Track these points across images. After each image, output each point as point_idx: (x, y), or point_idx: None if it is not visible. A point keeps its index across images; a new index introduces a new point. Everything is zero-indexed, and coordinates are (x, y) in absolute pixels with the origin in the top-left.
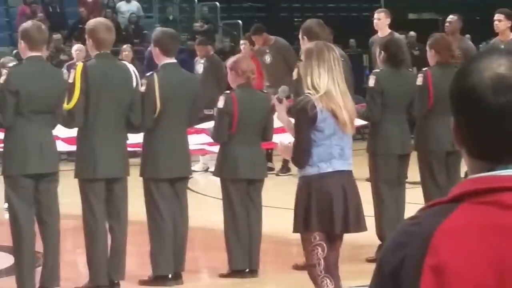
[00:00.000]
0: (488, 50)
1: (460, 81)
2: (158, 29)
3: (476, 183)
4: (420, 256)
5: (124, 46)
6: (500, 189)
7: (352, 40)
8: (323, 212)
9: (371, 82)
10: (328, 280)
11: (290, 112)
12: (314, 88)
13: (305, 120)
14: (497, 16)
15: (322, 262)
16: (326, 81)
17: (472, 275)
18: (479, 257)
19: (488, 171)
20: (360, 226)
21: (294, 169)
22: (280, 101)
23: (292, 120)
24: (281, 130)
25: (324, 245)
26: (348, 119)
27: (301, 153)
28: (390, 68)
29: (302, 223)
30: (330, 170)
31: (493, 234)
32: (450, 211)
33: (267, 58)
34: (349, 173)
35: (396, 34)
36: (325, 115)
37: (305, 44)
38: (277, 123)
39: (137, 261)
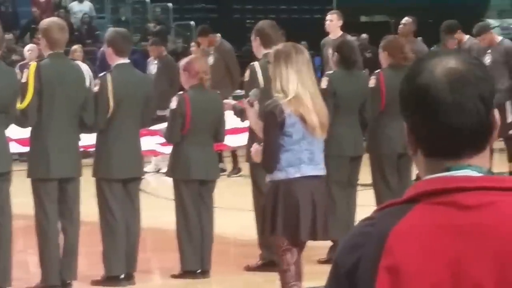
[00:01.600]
0: (434, 52)
1: (411, 81)
2: (111, 29)
3: (431, 184)
4: (376, 256)
5: (75, 46)
6: (456, 190)
7: (303, 42)
8: (290, 218)
9: (324, 83)
10: None
11: (240, 113)
12: (283, 91)
13: (273, 124)
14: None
15: (292, 268)
16: (295, 84)
17: (428, 275)
18: (435, 257)
19: (444, 171)
20: (327, 235)
21: (245, 170)
22: (251, 104)
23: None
24: (233, 131)
25: (294, 250)
26: (317, 123)
27: (269, 157)
28: (342, 69)
29: (269, 226)
30: (298, 175)
31: (449, 234)
32: (405, 211)
33: (210, 59)
34: (319, 178)
35: (348, 36)
36: (293, 120)
37: (257, 45)
38: (229, 124)
39: (89, 261)
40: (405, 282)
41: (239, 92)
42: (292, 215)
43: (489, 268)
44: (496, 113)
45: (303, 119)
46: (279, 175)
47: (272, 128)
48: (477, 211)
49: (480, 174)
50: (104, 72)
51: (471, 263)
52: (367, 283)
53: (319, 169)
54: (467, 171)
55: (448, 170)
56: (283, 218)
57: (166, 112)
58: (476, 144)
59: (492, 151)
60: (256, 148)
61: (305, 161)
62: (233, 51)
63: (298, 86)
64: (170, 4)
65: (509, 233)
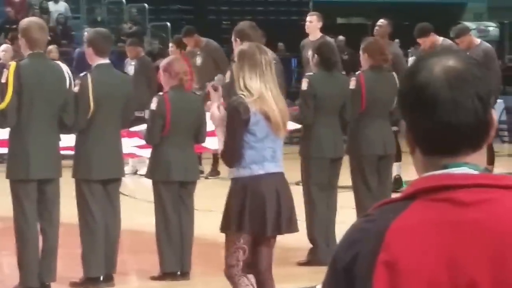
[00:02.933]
0: (433, 52)
1: (410, 79)
2: (92, 30)
3: (429, 181)
4: (374, 252)
5: (50, 47)
6: (453, 187)
7: (280, 44)
8: (256, 214)
9: (304, 85)
10: (246, 279)
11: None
12: (246, 89)
13: (237, 121)
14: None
15: (240, 263)
16: (258, 84)
17: (425, 271)
18: (432, 253)
19: (442, 168)
20: (291, 228)
21: (223, 172)
22: (215, 89)
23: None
24: (214, 134)
25: (246, 248)
26: (281, 122)
27: (231, 152)
28: (323, 71)
29: (235, 224)
30: (262, 172)
31: (446, 230)
32: (403, 208)
33: (198, 60)
34: (281, 175)
35: (328, 38)
36: (257, 118)
37: (237, 46)
38: (210, 126)
39: (68, 263)
40: (403, 278)
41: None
42: (259, 212)
43: (485, 265)
44: (494, 112)
45: (267, 118)
46: (243, 172)
47: (236, 124)
48: (474, 208)
49: (477, 172)
50: (85, 72)
51: (467, 260)
52: (364, 278)
53: (280, 166)
54: (464, 168)
55: (445, 167)
56: (249, 216)
57: (144, 113)
58: (473, 142)
59: (492, 152)
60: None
61: (268, 158)
62: (221, 49)
63: (261, 86)
64: (146, 5)
65: (506, 230)
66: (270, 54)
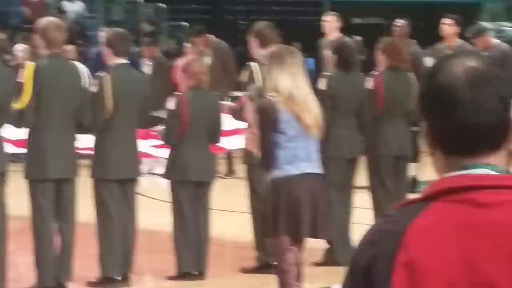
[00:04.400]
0: (454, 53)
1: (430, 80)
2: (110, 30)
3: (449, 182)
4: (393, 253)
5: (68, 47)
6: (473, 188)
7: (296, 44)
8: (291, 216)
9: (322, 85)
10: None
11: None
12: (276, 91)
13: (266, 121)
14: (445, 21)
15: (293, 268)
16: (289, 84)
17: (444, 272)
18: (451, 254)
19: (461, 169)
20: (327, 233)
21: (239, 172)
22: (251, 99)
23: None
24: (230, 133)
25: (294, 250)
26: (312, 122)
27: (266, 155)
28: (341, 71)
29: (272, 228)
30: (296, 172)
31: (465, 231)
32: (423, 209)
33: (208, 60)
34: (317, 176)
35: (346, 38)
36: (287, 117)
37: (256, 46)
38: (225, 126)
39: (85, 262)
40: (421, 279)
41: (236, 93)
42: (294, 213)
43: (504, 266)
44: None
45: (297, 117)
46: (277, 173)
47: (266, 125)
48: (493, 209)
49: (497, 173)
50: (103, 73)
51: (485, 261)
52: (383, 279)
53: (316, 167)
54: (484, 169)
55: (465, 168)
56: (285, 217)
57: (160, 113)
58: (493, 142)
59: None
60: (249, 136)
61: (302, 158)
62: (230, 51)
63: (292, 87)
64: (163, 5)
65: None
66: (299, 55)
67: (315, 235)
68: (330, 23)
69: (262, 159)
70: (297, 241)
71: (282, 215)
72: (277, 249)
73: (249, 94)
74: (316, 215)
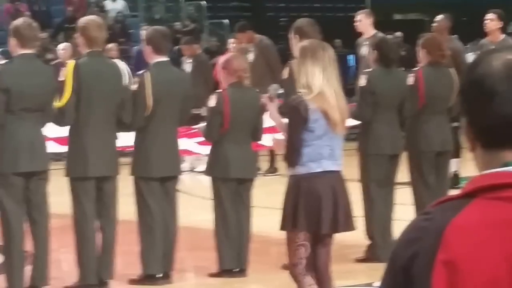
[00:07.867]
0: (495, 48)
1: (470, 73)
2: (150, 28)
3: (489, 179)
4: (432, 251)
5: (110, 45)
6: None
7: (337, 40)
8: (311, 212)
9: (362, 81)
10: (310, 278)
11: (280, 111)
12: (308, 87)
13: (297, 120)
14: (488, 16)
15: (303, 261)
16: (320, 80)
17: (485, 270)
18: (492, 252)
19: (502, 166)
20: (348, 226)
21: (281, 169)
22: (271, 99)
23: (284, 119)
24: (271, 130)
25: (307, 244)
26: (339, 120)
27: (292, 152)
28: (381, 67)
29: (290, 222)
30: (319, 170)
31: (506, 229)
32: (462, 206)
33: (250, 56)
34: (338, 173)
35: (380, 34)
36: (317, 116)
37: (297, 43)
38: (266, 123)
39: (126, 260)
40: (462, 277)
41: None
42: (314, 209)
43: None
44: None
45: (326, 115)
46: (300, 170)
47: (296, 123)
48: None
49: None
50: (143, 70)
51: None
52: (423, 277)
53: (338, 165)
54: None
55: (505, 165)
56: (305, 213)
57: (201, 111)
58: None
59: None
60: (276, 139)
61: (325, 156)
62: (274, 47)
63: (323, 83)
64: (203, 2)
65: None
66: (332, 50)
67: (335, 230)
68: (361, 22)
69: (287, 155)
70: (319, 238)
71: (302, 211)
72: (289, 242)
73: (269, 94)
74: (337, 210)
